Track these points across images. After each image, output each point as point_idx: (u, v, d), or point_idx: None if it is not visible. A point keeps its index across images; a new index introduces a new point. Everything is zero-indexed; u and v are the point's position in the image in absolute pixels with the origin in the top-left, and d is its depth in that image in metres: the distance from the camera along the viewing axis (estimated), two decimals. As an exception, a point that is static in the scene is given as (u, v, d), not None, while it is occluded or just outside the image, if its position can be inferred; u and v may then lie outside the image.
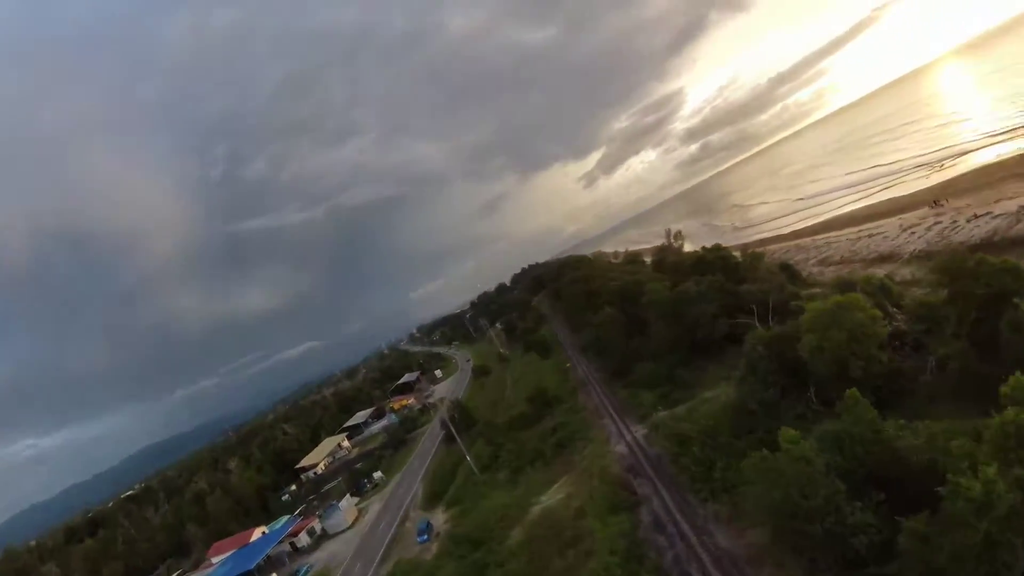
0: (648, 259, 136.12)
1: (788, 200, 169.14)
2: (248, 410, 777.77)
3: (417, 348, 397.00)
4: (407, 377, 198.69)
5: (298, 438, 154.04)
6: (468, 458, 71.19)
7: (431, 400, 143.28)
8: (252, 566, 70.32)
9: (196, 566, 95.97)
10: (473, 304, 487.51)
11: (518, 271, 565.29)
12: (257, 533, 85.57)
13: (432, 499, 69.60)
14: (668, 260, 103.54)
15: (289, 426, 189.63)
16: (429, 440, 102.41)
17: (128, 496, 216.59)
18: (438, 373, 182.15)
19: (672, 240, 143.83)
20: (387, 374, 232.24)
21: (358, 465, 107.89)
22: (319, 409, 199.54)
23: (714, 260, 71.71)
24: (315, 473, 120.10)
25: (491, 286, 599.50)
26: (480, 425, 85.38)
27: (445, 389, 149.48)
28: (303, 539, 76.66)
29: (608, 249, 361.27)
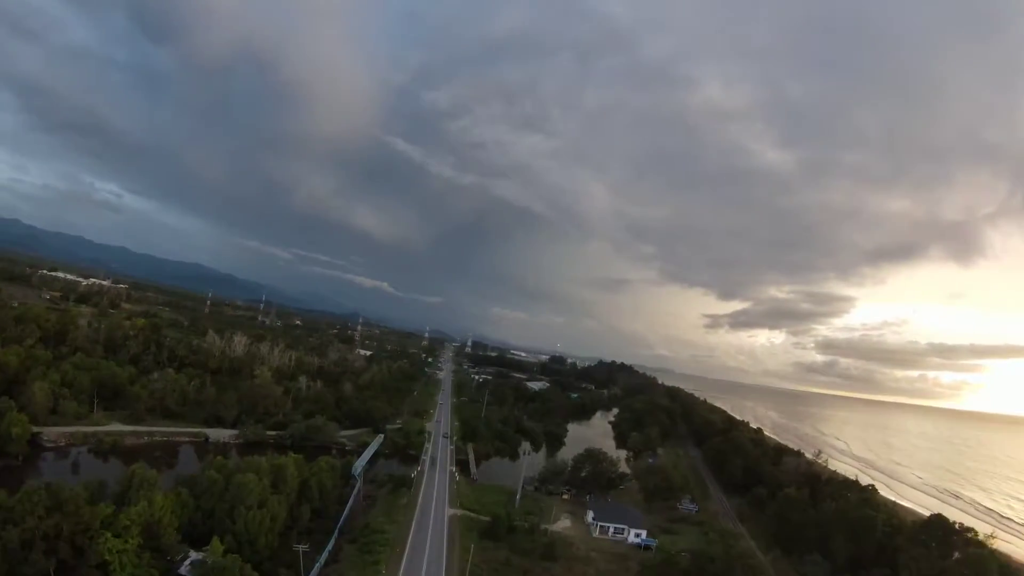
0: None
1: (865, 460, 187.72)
2: (291, 300, 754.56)
3: (444, 372, 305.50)
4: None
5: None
6: None
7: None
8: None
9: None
10: (545, 367, 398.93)
11: (607, 360, 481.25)
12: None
13: None
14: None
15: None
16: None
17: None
18: None
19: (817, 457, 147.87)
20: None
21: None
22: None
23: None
24: None
25: (571, 354, 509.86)
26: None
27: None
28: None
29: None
